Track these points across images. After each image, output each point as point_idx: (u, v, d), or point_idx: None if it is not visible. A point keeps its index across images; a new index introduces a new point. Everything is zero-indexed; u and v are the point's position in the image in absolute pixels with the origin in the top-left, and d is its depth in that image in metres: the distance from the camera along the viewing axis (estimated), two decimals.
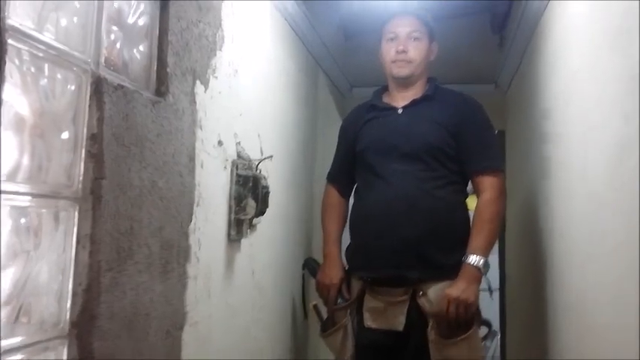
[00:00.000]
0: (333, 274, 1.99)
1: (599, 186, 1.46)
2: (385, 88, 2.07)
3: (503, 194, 1.90)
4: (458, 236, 1.87)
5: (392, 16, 1.98)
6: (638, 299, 1.14)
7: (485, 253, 1.81)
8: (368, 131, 1.99)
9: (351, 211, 2.05)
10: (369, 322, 1.88)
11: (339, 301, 1.97)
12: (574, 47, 1.73)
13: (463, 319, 1.75)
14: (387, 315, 1.85)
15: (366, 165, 1.96)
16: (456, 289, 1.75)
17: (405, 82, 1.98)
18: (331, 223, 2.10)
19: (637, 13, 1.16)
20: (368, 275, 1.91)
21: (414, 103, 1.96)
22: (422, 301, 1.81)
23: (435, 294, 1.80)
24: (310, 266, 2.25)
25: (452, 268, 1.81)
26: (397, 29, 1.96)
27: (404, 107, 1.97)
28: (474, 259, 1.79)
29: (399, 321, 1.83)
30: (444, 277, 1.81)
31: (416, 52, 1.94)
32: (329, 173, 2.20)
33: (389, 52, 1.97)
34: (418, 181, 1.86)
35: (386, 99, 2.04)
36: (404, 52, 1.93)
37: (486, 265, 1.81)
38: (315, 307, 2.07)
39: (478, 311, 1.83)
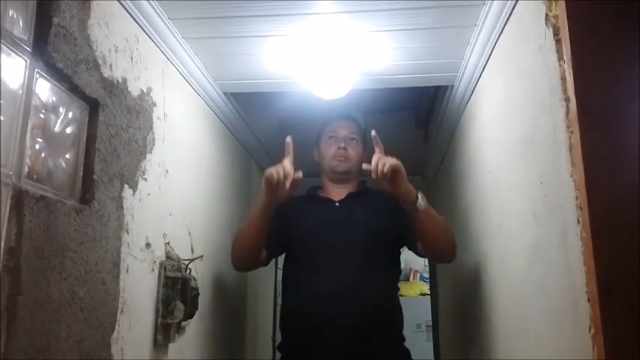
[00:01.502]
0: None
1: (517, 282, 1.53)
2: (318, 188, 2.15)
3: (452, 232, 1.93)
4: (397, 324, 1.90)
5: (333, 117, 2.11)
6: None
7: (427, 202, 1.79)
8: (307, 220, 2.03)
9: (286, 303, 2.02)
10: None
11: None
12: (489, 150, 1.86)
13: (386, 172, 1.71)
14: None
15: (304, 254, 1.96)
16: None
17: (342, 178, 2.07)
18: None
19: (542, 128, 1.27)
20: None
21: (350, 196, 2.05)
22: None
23: None
24: None
25: (396, 357, 1.81)
26: (337, 130, 2.08)
27: (340, 201, 2.05)
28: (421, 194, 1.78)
29: None
30: None
31: (353, 151, 2.07)
32: None
33: (329, 149, 2.08)
34: (358, 269, 1.88)
35: (321, 194, 2.11)
36: (344, 149, 2.05)
37: (421, 199, 1.78)
38: None
39: None
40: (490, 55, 1.77)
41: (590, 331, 1.02)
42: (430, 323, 4.00)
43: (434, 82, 2.34)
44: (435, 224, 1.84)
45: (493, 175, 1.80)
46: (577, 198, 1.06)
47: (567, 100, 1.10)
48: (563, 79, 1.12)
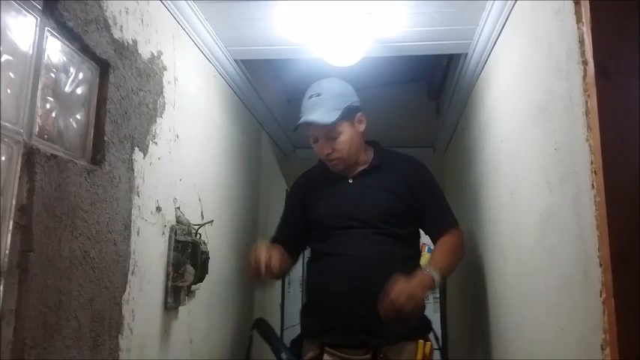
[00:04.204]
0: (259, 249, 1.81)
1: (528, 250, 1.52)
2: None
3: (462, 243, 1.97)
4: None
5: (302, 122, 1.92)
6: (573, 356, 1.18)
7: (442, 271, 1.80)
8: (321, 200, 2.01)
9: (308, 279, 2.06)
10: None
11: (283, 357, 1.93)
12: (502, 118, 1.84)
13: (404, 316, 1.67)
14: None
15: (322, 233, 1.98)
16: (407, 282, 1.69)
17: (346, 169, 2.00)
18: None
19: (558, 94, 1.25)
20: (329, 341, 1.88)
21: (363, 173, 2.00)
22: None
23: (395, 356, 1.81)
24: (261, 327, 2.15)
25: (410, 331, 1.81)
26: (314, 133, 1.94)
27: (354, 177, 2.00)
28: (431, 271, 1.77)
29: None
30: (406, 338, 1.81)
31: (341, 148, 1.93)
32: (272, 236, 2.15)
33: (318, 153, 1.98)
34: (375, 246, 1.88)
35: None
36: (330, 153, 1.93)
37: (437, 284, 1.78)
38: None
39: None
40: (506, 21, 1.73)
41: (601, 296, 1.01)
42: (437, 295, 4.01)
43: (448, 49, 2.30)
44: (453, 267, 1.92)
45: (506, 144, 1.78)
46: (592, 163, 1.04)
47: (585, 63, 1.07)
48: (582, 41, 1.09)
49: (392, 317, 1.66)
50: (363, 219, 1.91)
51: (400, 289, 1.66)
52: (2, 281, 1.00)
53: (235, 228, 2.52)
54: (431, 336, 1.93)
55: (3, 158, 0.98)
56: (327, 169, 2.05)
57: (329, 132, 1.90)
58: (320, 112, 1.88)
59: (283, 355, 1.96)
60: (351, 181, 2.00)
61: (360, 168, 2.00)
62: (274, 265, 1.75)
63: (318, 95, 1.91)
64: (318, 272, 1.97)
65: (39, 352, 1.06)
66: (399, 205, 1.93)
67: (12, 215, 1.00)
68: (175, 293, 1.72)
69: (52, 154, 1.09)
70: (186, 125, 1.88)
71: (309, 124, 1.90)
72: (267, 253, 1.76)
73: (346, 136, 1.92)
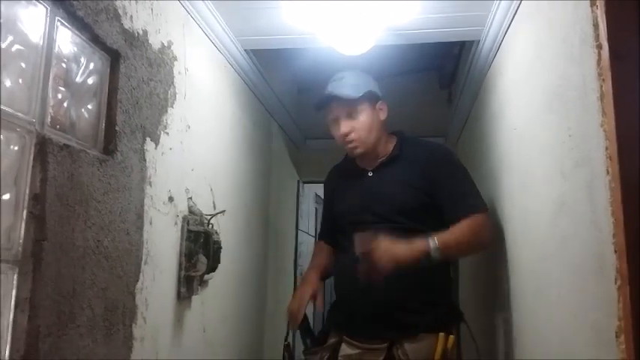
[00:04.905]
0: (303, 293, 1.97)
1: (542, 238, 1.51)
2: None
3: (483, 228, 1.84)
4: (437, 294, 1.87)
5: (324, 98, 1.90)
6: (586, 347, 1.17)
7: (444, 243, 1.73)
8: (343, 195, 2.02)
9: (334, 272, 2.06)
10: None
11: (308, 343, 1.96)
12: (515, 106, 1.82)
13: (377, 271, 1.67)
14: None
15: (344, 227, 1.98)
16: (392, 242, 1.69)
17: (364, 155, 1.96)
18: (315, 258, 2.15)
19: (572, 79, 1.23)
20: (348, 333, 1.91)
21: (382, 165, 1.96)
22: (398, 354, 1.80)
23: (411, 347, 1.79)
24: None
25: (429, 324, 1.80)
26: (334, 112, 1.91)
27: (373, 169, 1.97)
28: (430, 238, 1.72)
29: None
30: (426, 330, 1.81)
31: (361, 128, 1.89)
32: (319, 232, 2.29)
33: (336, 134, 1.94)
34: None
35: (357, 160, 2.02)
36: (348, 134, 1.90)
37: (434, 255, 1.72)
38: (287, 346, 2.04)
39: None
40: (518, 6, 1.71)
41: (615, 283, 1.00)
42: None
43: (460, 36, 2.28)
44: (463, 249, 1.87)
45: (519, 131, 1.76)
46: (607, 148, 1.03)
47: (599, 47, 1.06)
48: (596, 25, 1.08)
49: (365, 270, 1.68)
50: (380, 213, 1.89)
51: (382, 244, 1.67)
52: (17, 270, 1.01)
53: (247, 218, 2.52)
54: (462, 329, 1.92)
55: (16, 148, 0.99)
56: (351, 162, 2.02)
57: (351, 110, 1.88)
58: (345, 87, 1.87)
59: (307, 341, 1.99)
60: (370, 174, 1.96)
61: (380, 160, 1.97)
62: (319, 304, 2.00)
63: (342, 78, 1.91)
64: (340, 271, 2.00)
65: (53, 340, 1.07)
66: (415, 198, 1.88)
67: (26, 205, 1.01)
68: (188, 283, 1.73)
69: (64, 144, 1.10)
70: (197, 115, 1.88)
71: (333, 99, 1.87)
72: (307, 298, 1.95)
73: (367, 117, 1.90)
